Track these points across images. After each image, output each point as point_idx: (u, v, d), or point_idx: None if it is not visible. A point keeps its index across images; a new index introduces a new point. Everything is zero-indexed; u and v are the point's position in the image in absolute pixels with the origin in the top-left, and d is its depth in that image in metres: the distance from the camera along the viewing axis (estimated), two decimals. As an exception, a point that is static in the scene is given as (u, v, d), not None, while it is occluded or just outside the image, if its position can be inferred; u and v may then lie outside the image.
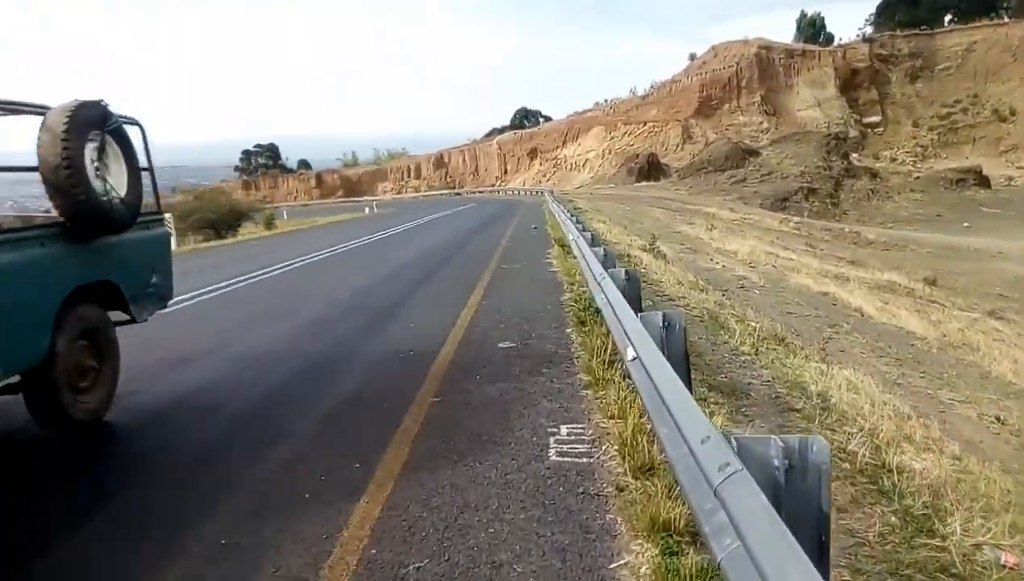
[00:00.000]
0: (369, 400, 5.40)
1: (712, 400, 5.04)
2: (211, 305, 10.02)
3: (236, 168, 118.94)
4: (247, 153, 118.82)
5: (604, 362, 5.81)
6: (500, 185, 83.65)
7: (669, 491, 3.39)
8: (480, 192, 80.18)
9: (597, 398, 5.18)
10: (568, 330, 7.45)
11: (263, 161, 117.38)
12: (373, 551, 3.22)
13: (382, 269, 13.61)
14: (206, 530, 3.46)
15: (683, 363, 4.04)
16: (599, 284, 6.30)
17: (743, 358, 6.60)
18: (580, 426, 4.67)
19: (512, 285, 10.85)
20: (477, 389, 5.57)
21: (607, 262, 7.70)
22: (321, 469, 4.13)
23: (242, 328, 8.28)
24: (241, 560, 3.19)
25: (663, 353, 3.76)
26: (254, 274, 12.96)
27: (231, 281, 12.13)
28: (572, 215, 16.94)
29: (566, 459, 4.15)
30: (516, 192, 71.53)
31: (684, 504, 3.09)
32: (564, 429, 4.63)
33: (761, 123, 69.71)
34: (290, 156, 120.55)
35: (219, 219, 38.68)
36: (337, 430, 4.78)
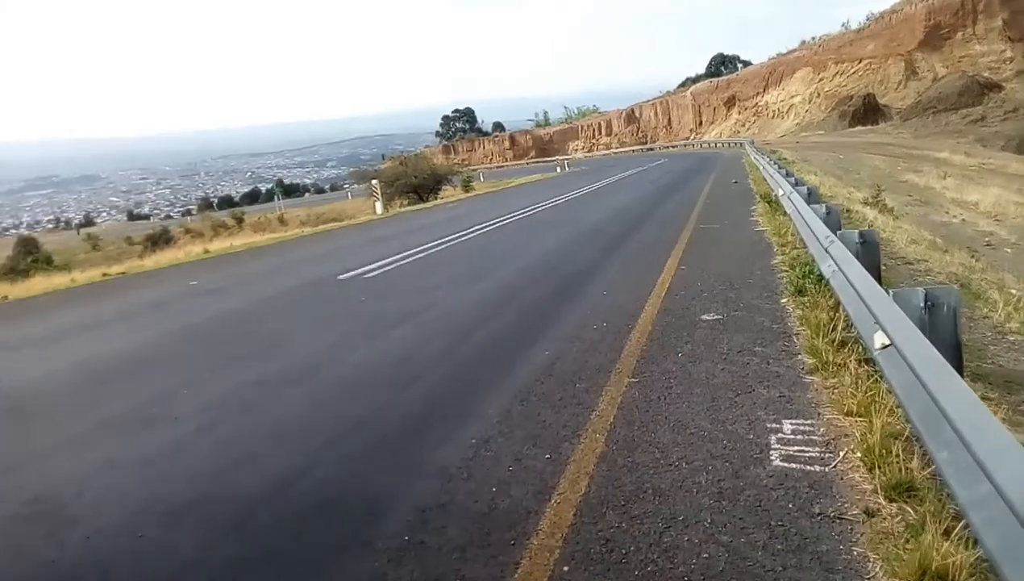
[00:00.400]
0: (561, 378, 4.99)
1: (980, 394, 4.03)
2: (409, 270, 10.22)
3: (436, 133, 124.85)
4: (446, 118, 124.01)
5: (832, 342, 4.93)
6: (694, 138, 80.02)
7: (945, 528, 2.60)
8: (673, 146, 77.31)
9: (827, 387, 4.36)
10: (782, 300, 6.55)
11: (460, 126, 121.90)
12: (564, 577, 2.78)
13: (574, 230, 13.21)
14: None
15: (955, 356, 3.16)
16: (825, 249, 5.37)
17: (1012, 338, 5.37)
18: (808, 423, 3.91)
19: (714, 247, 9.95)
20: (679, 369, 4.95)
21: (830, 220, 6.65)
22: (508, 459, 3.77)
23: (432, 294, 8.25)
24: None
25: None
26: (450, 237, 13.15)
27: (428, 244, 12.37)
28: (779, 166, 15.40)
29: (794, 466, 3.44)
30: (712, 144, 68.00)
31: (972, 548, 2.33)
32: (787, 425, 3.90)
33: (1003, 52, 59.89)
34: (485, 119, 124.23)
35: (421, 183, 40.63)
36: (525, 413, 4.41)
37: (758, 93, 76.73)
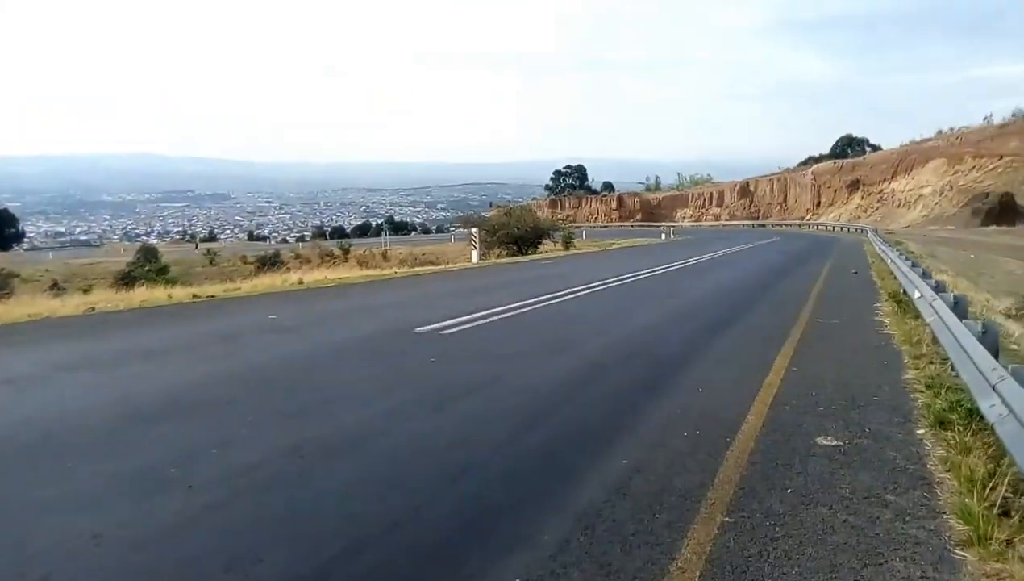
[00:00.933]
0: (637, 501, 4.09)
1: None
2: (490, 331, 9.60)
3: (546, 187, 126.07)
4: (557, 173, 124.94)
5: (993, 506, 3.83)
6: (810, 219, 77.00)
7: None
8: (786, 225, 74.61)
9: (989, 575, 3.29)
10: (919, 431, 5.41)
11: (570, 181, 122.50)
12: None
13: (673, 306, 12.27)
14: None
15: None
16: (992, 385, 4.28)
17: None
18: (969, 635, 2.88)
19: (831, 349, 8.78)
20: (788, 513, 3.96)
21: (986, 341, 5.50)
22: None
23: (507, 364, 7.53)
24: None
25: None
26: (539, 299, 12.47)
27: (515, 304, 11.73)
28: (912, 263, 13.93)
29: None
30: (829, 227, 65.17)
31: None
32: (939, 633, 2.88)
33: None
34: (596, 177, 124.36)
35: (522, 236, 40.56)
36: (587, 547, 3.54)
37: (885, 180, 73.21)
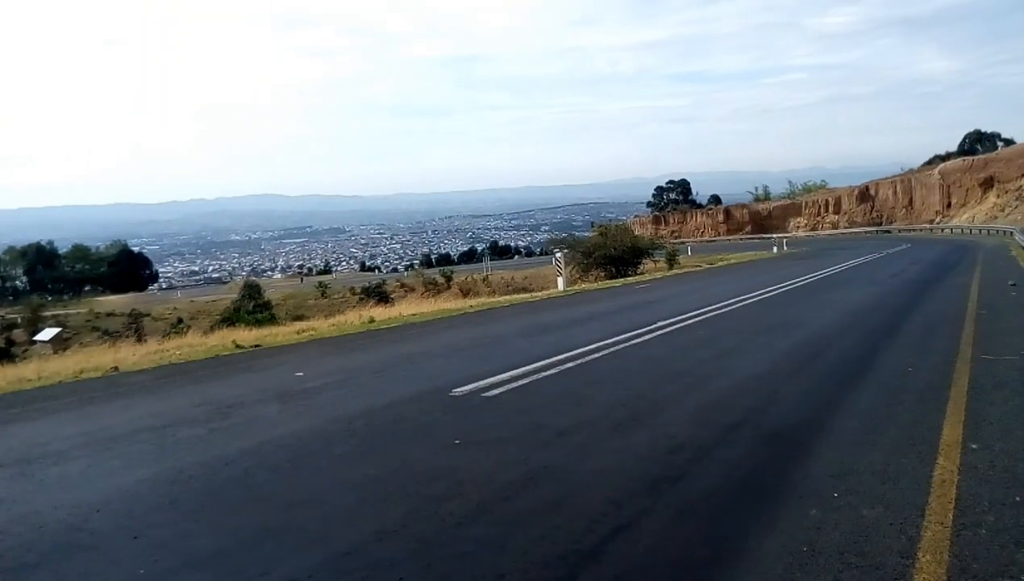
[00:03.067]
0: None
1: None
2: (546, 389, 7.59)
3: (648, 203, 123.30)
4: (659, 189, 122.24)
5: None
6: (940, 221, 70.23)
7: None
8: (913, 230, 68.38)
9: None
10: None
11: (674, 197, 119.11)
12: None
13: (788, 343, 9.93)
14: None
15: None
16: None
17: None
18: None
19: (1018, 404, 6.30)
20: None
21: None
22: None
23: (556, 449, 5.52)
24: None
25: None
26: (620, 337, 10.39)
27: (589, 347, 9.70)
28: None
29: None
30: (964, 230, 58.91)
31: None
32: None
33: None
34: (700, 191, 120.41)
35: (619, 256, 38.28)
36: None
37: (1022, 175, 65.79)
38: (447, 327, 14.07)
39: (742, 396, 6.90)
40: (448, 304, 19.91)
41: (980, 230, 55.36)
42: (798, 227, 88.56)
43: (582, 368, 8.52)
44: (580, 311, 15.58)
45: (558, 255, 24.00)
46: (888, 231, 72.36)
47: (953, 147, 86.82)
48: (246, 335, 16.07)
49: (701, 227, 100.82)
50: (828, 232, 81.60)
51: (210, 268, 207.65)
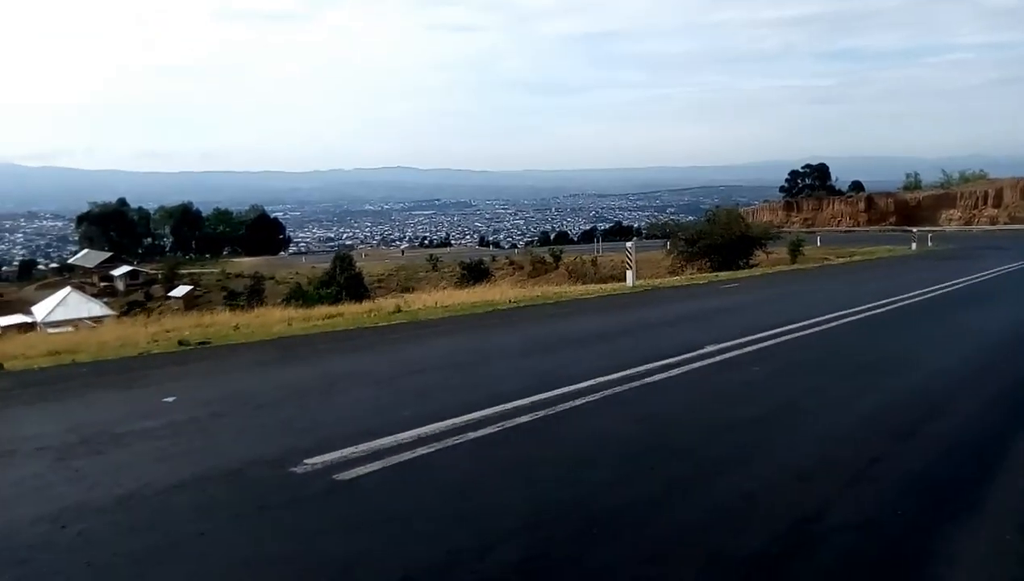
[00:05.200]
0: None
1: None
2: (453, 464, 4.93)
3: (781, 188, 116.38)
4: (794, 173, 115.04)
5: None
6: None
7: None
8: (1092, 229, 59.00)
9: None
10: None
11: (809, 182, 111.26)
12: None
13: (892, 392, 6.87)
14: None
15: None
16: None
17: None
18: None
19: None
20: None
21: None
22: None
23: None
24: None
25: None
26: (663, 364, 7.59)
27: (609, 378, 6.95)
28: None
29: None
30: None
31: None
32: None
33: None
34: (841, 177, 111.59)
35: (727, 245, 34.54)
36: None
37: None
38: (449, 331, 11.69)
39: (812, 482, 4.29)
40: (493, 296, 17.44)
41: None
42: (950, 220, 79.40)
43: (570, 416, 5.82)
44: (624, 319, 12.78)
45: (629, 245, 20.95)
46: (1059, 229, 63.05)
47: None
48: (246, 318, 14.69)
49: (838, 215, 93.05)
50: (984, 227, 72.41)
51: (344, 235, 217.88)
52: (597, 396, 6.46)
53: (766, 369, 7.87)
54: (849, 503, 4.21)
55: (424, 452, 4.91)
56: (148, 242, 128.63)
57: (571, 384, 6.78)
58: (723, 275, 25.06)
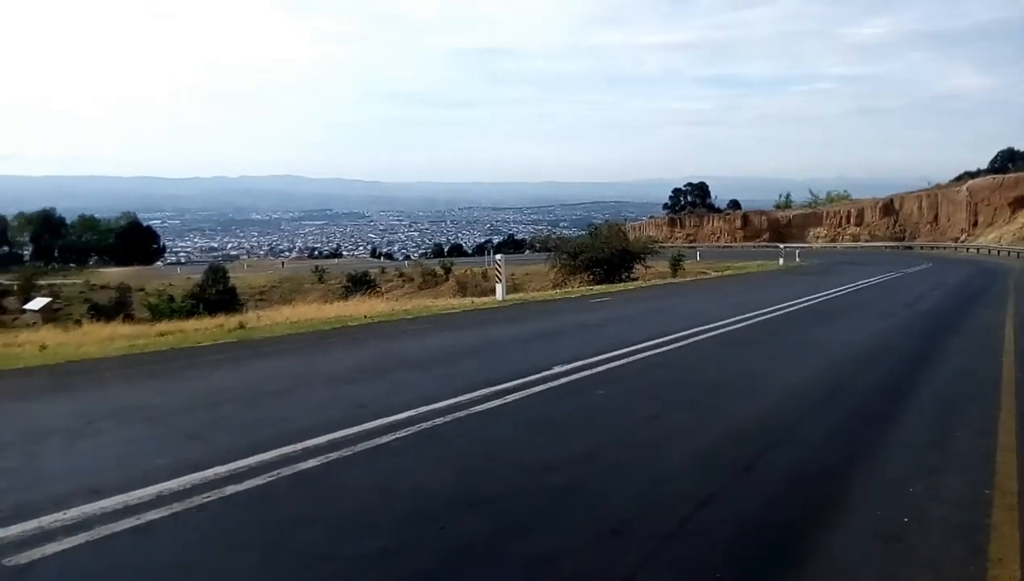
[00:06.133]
0: None
1: None
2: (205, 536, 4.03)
3: (664, 205, 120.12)
4: (676, 191, 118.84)
5: None
6: (966, 241, 65.74)
7: None
8: (938, 248, 64.04)
9: None
10: None
11: (691, 199, 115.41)
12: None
13: (712, 436, 6.36)
14: None
15: None
16: None
17: None
18: None
19: None
20: None
21: None
22: None
23: None
24: None
25: None
26: (500, 389, 6.81)
27: (419, 410, 6.11)
28: None
29: None
30: (990, 251, 54.61)
31: None
32: None
33: None
34: (720, 195, 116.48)
35: (608, 259, 34.75)
36: None
37: (1055, 196, 61.40)
38: (280, 351, 10.46)
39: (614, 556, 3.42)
40: (347, 312, 16.26)
41: (1008, 252, 51.09)
42: (817, 237, 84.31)
43: (307, 483, 4.77)
44: (478, 336, 11.98)
45: (498, 258, 20.31)
46: (910, 247, 68.07)
47: (983, 165, 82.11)
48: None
49: (717, 232, 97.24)
50: (847, 245, 77.30)
51: (229, 245, 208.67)
52: (411, 431, 5.57)
53: (611, 393, 7.24)
54: (661, 567, 3.50)
55: (152, 517, 3.85)
56: (5, 251, 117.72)
57: (386, 416, 5.88)
58: (598, 289, 24.91)
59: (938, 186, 79.28)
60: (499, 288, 19.01)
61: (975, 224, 69.30)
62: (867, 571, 3.55)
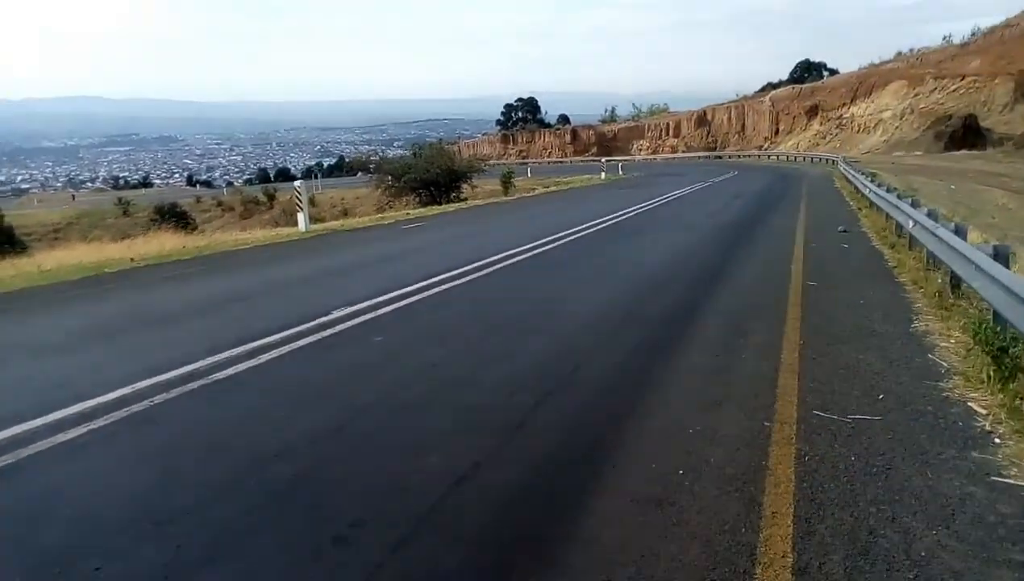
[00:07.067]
0: None
1: None
2: None
3: (497, 121, 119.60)
4: (508, 107, 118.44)
5: None
6: (769, 147, 70.82)
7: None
8: (745, 156, 68.45)
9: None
10: None
11: (522, 116, 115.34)
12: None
13: (537, 352, 5.83)
14: None
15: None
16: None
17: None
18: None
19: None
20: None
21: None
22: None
23: None
24: None
25: None
26: (245, 349, 5.78)
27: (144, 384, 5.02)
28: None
29: None
30: (789, 157, 59.04)
31: None
32: None
33: None
34: (551, 111, 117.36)
35: (434, 180, 33.67)
36: None
37: (844, 104, 67.30)
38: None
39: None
40: (156, 245, 14.30)
41: (805, 157, 55.40)
42: (640, 150, 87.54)
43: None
44: (260, 277, 10.64)
45: (297, 184, 18.64)
46: (720, 156, 72.24)
47: (785, 76, 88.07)
48: None
49: (549, 148, 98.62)
50: (667, 156, 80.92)
51: (19, 178, 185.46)
52: (113, 418, 4.46)
53: (390, 339, 6.43)
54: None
55: None
56: None
57: (89, 398, 4.70)
58: (419, 212, 23.88)
59: (745, 97, 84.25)
60: (301, 218, 17.45)
61: (777, 132, 74.61)
62: (628, 554, 3.02)
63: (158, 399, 4.77)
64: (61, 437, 4.16)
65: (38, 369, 5.86)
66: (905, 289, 8.23)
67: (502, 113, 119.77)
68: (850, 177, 24.92)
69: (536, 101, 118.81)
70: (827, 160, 46.56)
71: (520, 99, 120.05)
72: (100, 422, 4.38)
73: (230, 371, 5.36)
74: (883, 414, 4.53)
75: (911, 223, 10.15)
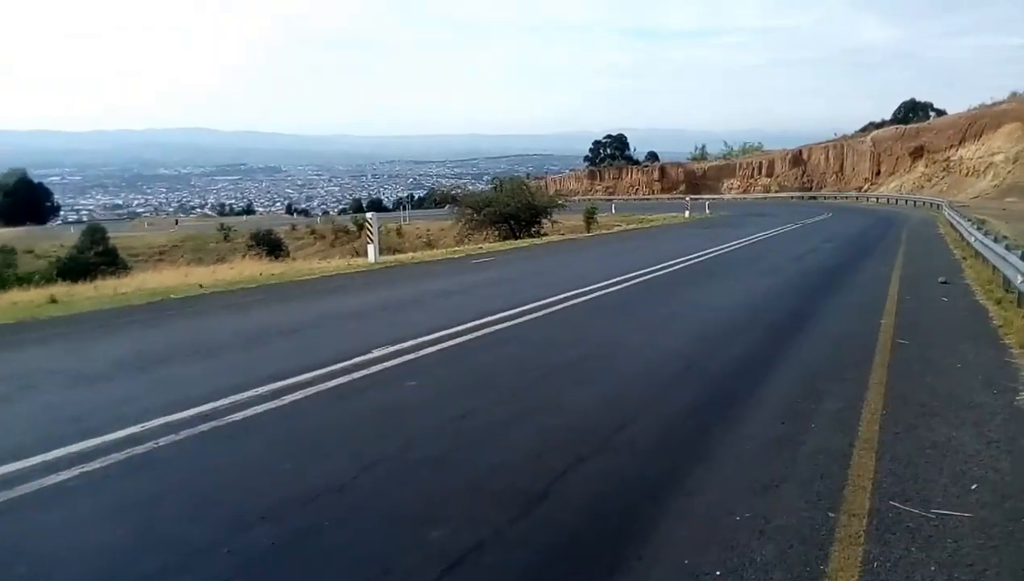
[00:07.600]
0: None
1: None
2: None
3: (585, 158, 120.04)
4: (596, 143, 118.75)
5: None
6: (869, 189, 67.70)
7: None
8: (842, 197, 65.65)
9: None
10: None
11: (610, 152, 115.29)
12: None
13: (584, 406, 5.33)
14: None
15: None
16: None
17: None
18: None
19: None
20: None
21: None
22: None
23: None
24: None
25: None
26: (276, 388, 5.52)
27: (177, 417, 4.81)
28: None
29: None
30: (890, 200, 56.17)
31: None
32: None
33: None
34: (640, 148, 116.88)
35: (514, 214, 33.69)
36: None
37: (951, 146, 63.69)
38: (43, 340, 8.81)
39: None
40: (236, 272, 14.59)
41: (907, 201, 52.59)
42: (731, 189, 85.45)
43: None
44: (314, 309, 10.47)
45: (369, 216, 18.77)
46: (815, 197, 69.54)
47: (888, 116, 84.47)
48: None
49: (636, 184, 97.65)
50: (758, 195, 78.58)
51: (135, 202, 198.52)
52: (112, 460, 4.22)
53: (424, 384, 6.04)
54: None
55: None
56: None
57: (102, 435, 4.51)
58: (488, 247, 23.70)
59: (844, 137, 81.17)
60: (371, 249, 17.51)
61: (878, 173, 71.37)
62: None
63: (163, 441, 4.53)
64: (51, 479, 3.95)
65: (61, 399, 5.77)
66: (1011, 353, 7.24)
67: (590, 149, 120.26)
68: (955, 223, 23.24)
69: (625, 138, 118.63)
70: (931, 204, 44.02)
71: (609, 135, 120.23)
72: (95, 464, 4.15)
73: (248, 412, 5.09)
74: (975, 510, 3.77)
75: (1020, 278, 9.07)
